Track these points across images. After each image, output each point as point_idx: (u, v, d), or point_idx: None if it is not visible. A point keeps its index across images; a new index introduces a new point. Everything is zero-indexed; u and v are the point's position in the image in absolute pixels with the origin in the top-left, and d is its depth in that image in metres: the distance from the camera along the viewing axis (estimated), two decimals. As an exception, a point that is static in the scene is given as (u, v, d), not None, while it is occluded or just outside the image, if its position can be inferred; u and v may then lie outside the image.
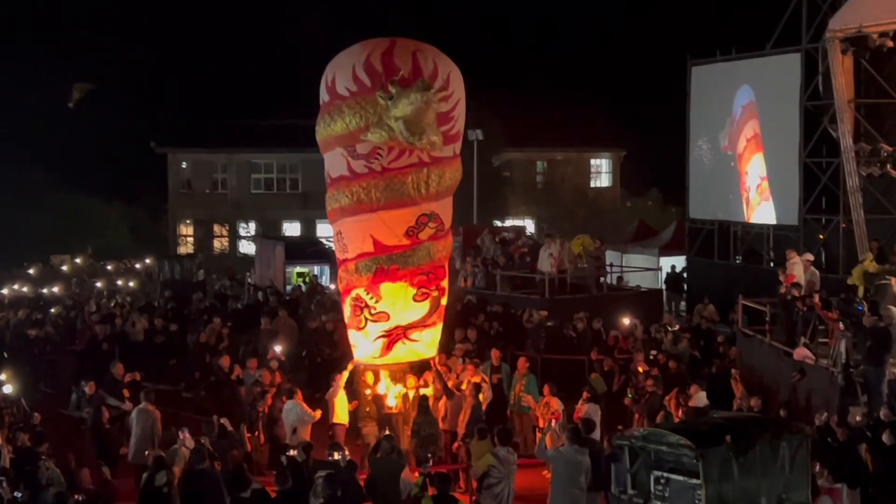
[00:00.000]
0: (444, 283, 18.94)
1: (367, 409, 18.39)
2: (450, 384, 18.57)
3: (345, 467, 14.68)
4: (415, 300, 18.27)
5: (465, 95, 18.42)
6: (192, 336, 25.55)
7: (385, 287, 18.08)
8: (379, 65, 17.37)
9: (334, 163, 18.26)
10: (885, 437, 14.97)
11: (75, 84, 55.14)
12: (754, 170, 30.54)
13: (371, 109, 17.31)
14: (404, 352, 18.51)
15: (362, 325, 18.44)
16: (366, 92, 17.38)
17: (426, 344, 18.71)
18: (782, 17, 29.37)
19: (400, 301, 18.16)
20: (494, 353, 20.75)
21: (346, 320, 19.03)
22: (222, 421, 16.75)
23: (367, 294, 18.18)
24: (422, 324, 18.48)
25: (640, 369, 20.50)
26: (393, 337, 18.33)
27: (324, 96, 18.15)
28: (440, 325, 19.06)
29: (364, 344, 18.59)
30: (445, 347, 19.74)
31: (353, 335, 18.90)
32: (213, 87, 62.09)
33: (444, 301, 18.91)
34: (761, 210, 30.37)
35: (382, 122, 17.23)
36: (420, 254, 18.13)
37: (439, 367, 18.84)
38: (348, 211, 18.10)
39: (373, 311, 18.23)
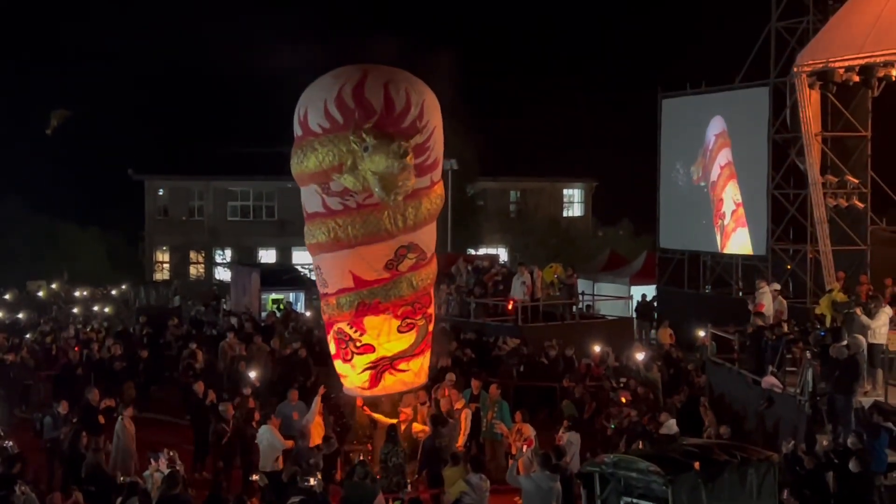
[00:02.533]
0: (431, 310, 18.79)
1: (358, 435, 18.48)
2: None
3: (319, 493, 14.80)
4: (400, 331, 18.08)
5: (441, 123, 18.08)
6: (185, 361, 25.28)
7: (369, 321, 17.90)
8: (351, 100, 16.98)
9: (309, 199, 18.05)
10: (851, 465, 15.23)
11: (53, 111, 55.10)
12: (729, 196, 30.92)
13: (344, 148, 16.94)
14: (393, 382, 18.39)
15: (349, 357, 18.30)
16: (338, 129, 17.04)
17: (414, 373, 18.60)
18: (751, 51, 29.92)
19: (384, 333, 18.00)
20: (474, 383, 20.41)
21: (332, 352, 18.82)
22: (171, 453, 16.73)
23: (351, 328, 18.00)
24: (409, 354, 18.35)
25: (623, 400, 20.72)
26: (380, 368, 18.21)
27: (297, 130, 17.85)
28: (428, 353, 18.95)
29: (352, 375, 18.50)
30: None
31: (340, 367, 18.72)
32: (190, 115, 62.15)
33: (430, 328, 18.74)
34: (736, 237, 30.70)
35: (357, 168, 16.88)
36: (401, 286, 17.91)
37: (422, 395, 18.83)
38: (325, 247, 17.91)
39: (357, 344, 18.09)
